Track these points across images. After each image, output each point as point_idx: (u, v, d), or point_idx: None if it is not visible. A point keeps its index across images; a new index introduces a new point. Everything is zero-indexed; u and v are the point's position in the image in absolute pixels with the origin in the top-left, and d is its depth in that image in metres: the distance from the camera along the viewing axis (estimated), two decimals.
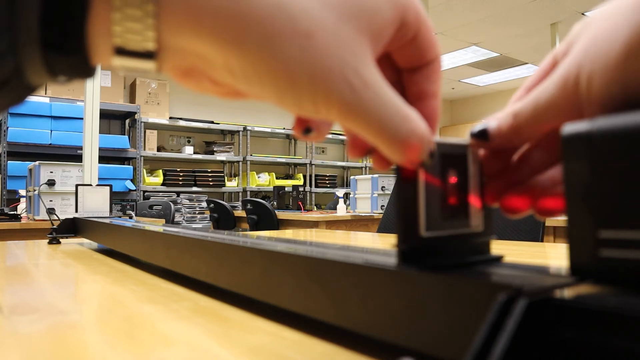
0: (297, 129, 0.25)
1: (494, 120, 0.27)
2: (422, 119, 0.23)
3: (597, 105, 0.23)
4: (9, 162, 3.70)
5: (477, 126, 0.28)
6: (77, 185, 1.10)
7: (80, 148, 3.06)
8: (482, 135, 0.27)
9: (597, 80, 0.23)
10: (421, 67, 0.26)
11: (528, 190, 0.27)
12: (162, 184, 4.56)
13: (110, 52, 0.19)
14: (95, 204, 1.10)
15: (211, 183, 4.87)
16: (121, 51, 0.19)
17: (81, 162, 2.34)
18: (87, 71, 0.20)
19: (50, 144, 3.81)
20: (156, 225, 0.69)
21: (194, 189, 4.73)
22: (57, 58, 0.19)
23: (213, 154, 4.97)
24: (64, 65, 0.20)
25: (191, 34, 0.19)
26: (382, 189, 3.20)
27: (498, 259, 0.27)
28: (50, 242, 0.98)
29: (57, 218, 1.83)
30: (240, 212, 3.68)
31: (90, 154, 2.39)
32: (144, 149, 4.50)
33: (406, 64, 0.26)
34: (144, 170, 4.52)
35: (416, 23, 0.24)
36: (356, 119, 0.21)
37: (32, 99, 3.78)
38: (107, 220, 0.86)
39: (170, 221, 2.90)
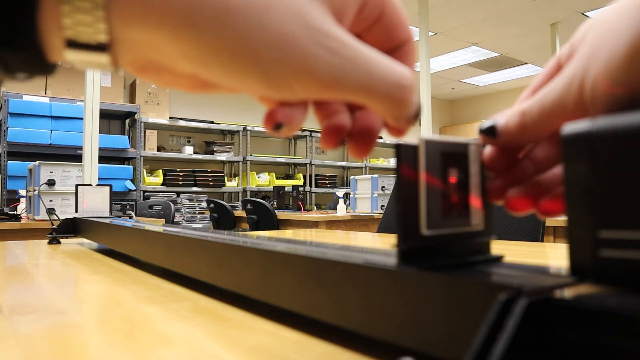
0: (268, 124, 0.23)
1: (503, 117, 0.27)
2: (403, 65, 0.23)
3: (602, 107, 0.23)
4: (9, 162, 3.70)
5: (486, 123, 0.28)
6: (77, 185, 1.10)
7: (80, 148, 3.06)
8: (490, 132, 0.28)
9: (601, 83, 0.23)
10: (393, 50, 0.25)
11: (531, 189, 0.27)
12: (162, 184, 4.56)
13: (63, 45, 0.19)
14: (95, 204, 1.10)
15: (211, 183, 4.87)
16: (73, 44, 0.19)
17: (81, 162, 2.34)
18: (45, 67, 0.20)
19: (50, 144, 3.81)
20: (156, 225, 0.69)
21: (194, 189, 4.73)
22: (10, 54, 0.19)
23: (213, 154, 4.97)
24: (17, 62, 0.19)
25: (142, 22, 0.19)
26: (382, 189, 3.20)
27: (498, 259, 0.27)
28: (50, 242, 0.98)
29: (57, 218, 1.83)
30: (240, 212, 3.68)
31: (90, 154, 2.39)
32: (144, 149, 4.50)
33: (377, 47, 0.24)
34: (144, 170, 4.52)
35: (380, 1, 0.23)
36: (343, 82, 0.20)
37: (32, 99, 3.79)
38: (107, 220, 0.86)
39: (170, 221, 2.90)
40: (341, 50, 0.20)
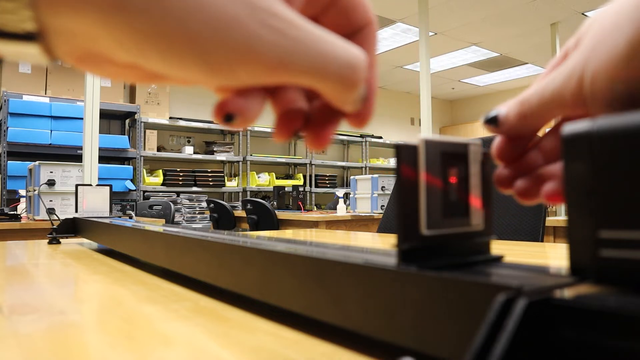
0: (217, 115, 0.21)
1: (505, 106, 0.28)
2: (357, 47, 0.22)
3: (601, 101, 0.24)
4: (9, 162, 3.70)
5: (490, 113, 0.29)
6: (77, 185, 1.10)
7: (80, 148, 3.06)
8: (492, 122, 0.28)
9: (601, 78, 0.23)
10: (353, 34, 0.24)
11: (540, 179, 0.28)
12: (162, 184, 4.56)
13: None
14: (95, 204, 1.10)
15: (211, 183, 4.87)
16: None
17: (81, 162, 2.34)
18: None
19: (50, 144, 3.81)
20: (156, 225, 0.69)
21: (194, 189, 4.73)
22: None
23: (213, 154, 4.97)
24: None
25: (69, 9, 0.17)
26: (382, 189, 3.20)
27: (498, 259, 0.27)
28: (50, 242, 0.98)
29: (57, 218, 1.83)
30: (240, 212, 3.68)
31: (90, 154, 2.39)
32: (144, 149, 4.50)
33: (335, 31, 0.23)
34: (144, 170, 4.52)
35: None
36: (290, 63, 0.19)
37: (32, 99, 3.79)
38: (107, 220, 0.86)
39: (170, 221, 2.90)
40: (288, 30, 0.19)
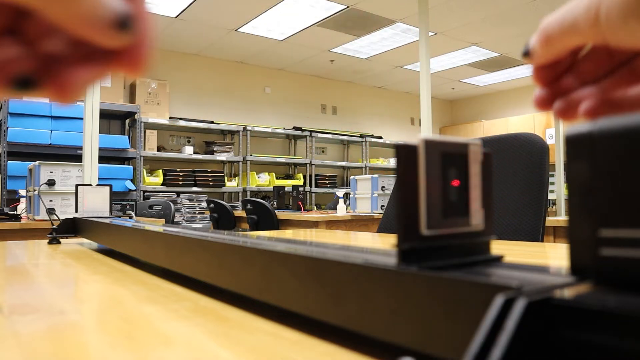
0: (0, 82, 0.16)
1: (534, 36, 0.30)
2: None
3: (615, 34, 0.25)
4: (9, 162, 3.70)
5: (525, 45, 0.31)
6: (77, 185, 1.10)
7: (80, 148, 3.06)
8: (526, 54, 0.31)
9: (614, 13, 0.25)
10: None
11: (577, 99, 0.31)
12: (162, 184, 4.56)
13: None
14: (95, 204, 1.10)
15: (211, 183, 4.87)
16: None
17: (81, 162, 2.34)
18: None
19: (50, 144, 3.81)
20: (156, 225, 0.69)
21: (194, 189, 4.73)
22: None
23: (213, 154, 4.97)
24: None
25: None
26: (382, 189, 3.20)
27: (498, 259, 0.27)
28: (50, 242, 0.98)
29: (57, 218, 1.83)
30: (240, 212, 3.68)
31: (90, 154, 2.39)
32: (144, 149, 4.50)
33: None
34: (144, 170, 4.52)
35: None
36: None
37: (32, 99, 3.79)
38: (107, 220, 0.86)
39: (170, 221, 2.90)
40: None
